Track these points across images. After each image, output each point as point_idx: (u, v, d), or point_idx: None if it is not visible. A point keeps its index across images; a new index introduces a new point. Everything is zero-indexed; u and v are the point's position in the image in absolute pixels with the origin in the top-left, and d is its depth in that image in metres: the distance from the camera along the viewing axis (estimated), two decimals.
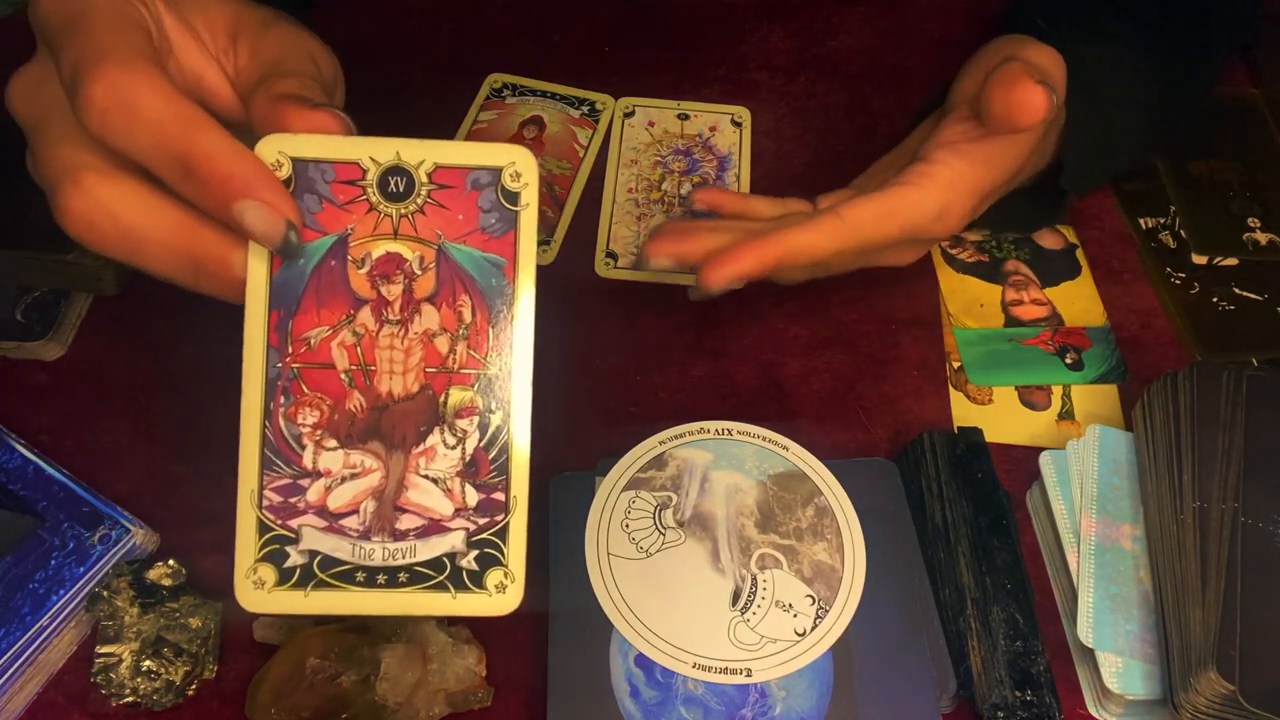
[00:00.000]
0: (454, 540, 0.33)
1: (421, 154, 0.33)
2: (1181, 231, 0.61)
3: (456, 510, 0.33)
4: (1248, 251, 0.60)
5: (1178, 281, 0.59)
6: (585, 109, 0.66)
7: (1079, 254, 0.60)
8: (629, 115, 0.66)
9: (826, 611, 0.45)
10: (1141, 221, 0.61)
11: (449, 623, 0.45)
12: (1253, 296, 0.58)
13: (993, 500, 0.48)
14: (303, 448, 0.33)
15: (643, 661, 0.44)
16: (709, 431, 0.50)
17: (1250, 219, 0.61)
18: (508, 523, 0.33)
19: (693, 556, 0.46)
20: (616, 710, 0.42)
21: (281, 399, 0.33)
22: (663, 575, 0.46)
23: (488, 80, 0.67)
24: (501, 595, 0.33)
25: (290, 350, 0.33)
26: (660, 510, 0.47)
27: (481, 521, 0.33)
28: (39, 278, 0.56)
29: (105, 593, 0.45)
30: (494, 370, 0.33)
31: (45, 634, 0.45)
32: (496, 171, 0.33)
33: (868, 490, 0.48)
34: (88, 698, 0.45)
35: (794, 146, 0.65)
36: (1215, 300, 0.58)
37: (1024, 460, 0.51)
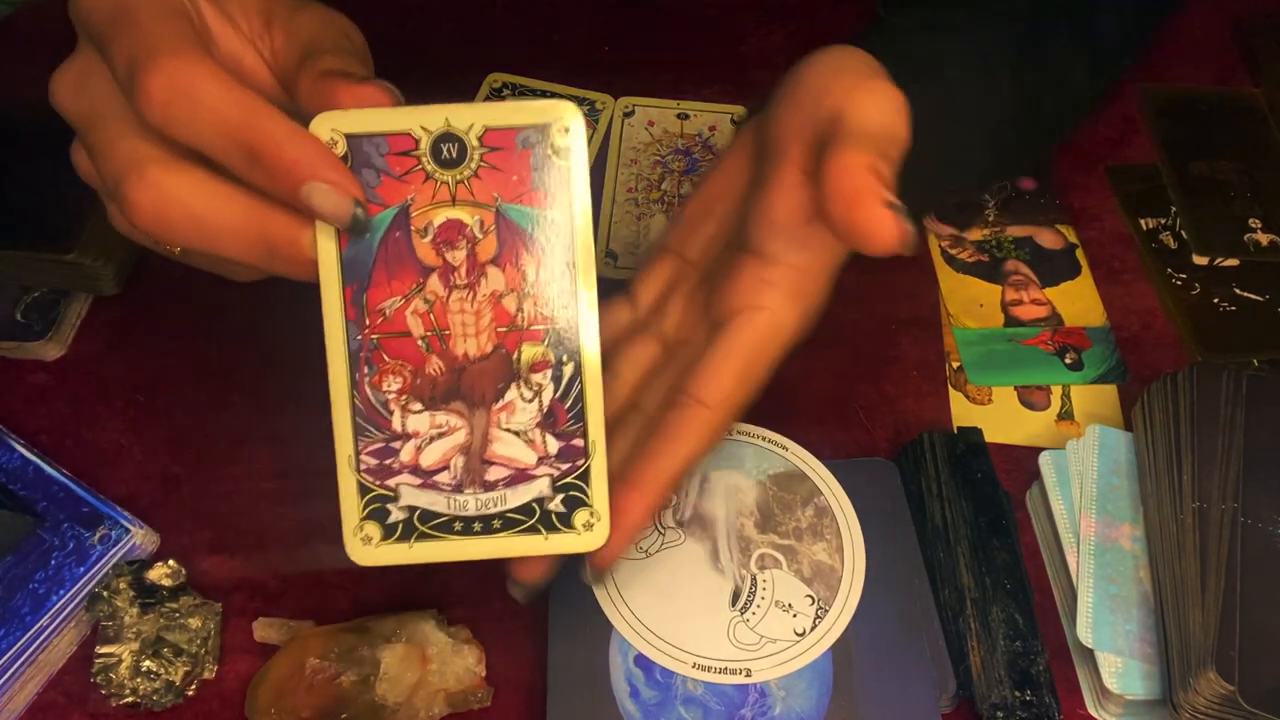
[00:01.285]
0: (540, 486, 0.35)
1: (470, 118, 0.33)
2: (1182, 232, 0.61)
3: (540, 459, 0.35)
4: (1248, 252, 0.60)
5: (1178, 282, 0.59)
6: (585, 109, 0.66)
7: (1079, 254, 0.60)
8: (629, 115, 0.66)
9: (826, 611, 0.45)
10: (1142, 222, 0.61)
11: (449, 623, 0.46)
12: (1253, 297, 0.58)
13: (992, 500, 0.48)
14: (390, 413, 0.34)
15: (642, 661, 0.44)
16: None
17: (1251, 219, 0.61)
18: (588, 466, 0.35)
19: (692, 556, 0.46)
20: (616, 710, 0.42)
21: (365, 369, 0.34)
22: (662, 575, 0.46)
23: (487, 80, 0.67)
24: (590, 532, 0.35)
25: (367, 322, 0.34)
26: (660, 510, 0.47)
27: (564, 467, 0.35)
28: (39, 278, 0.56)
29: (105, 593, 0.45)
30: (562, 324, 0.35)
31: (45, 634, 0.45)
32: (545, 128, 0.34)
33: (867, 490, 0.48)
34: (87, 698, 0.45)
35: None
36: (1216, 301, 0.58)
37: (1024, 460, 0.51)
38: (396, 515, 0.35)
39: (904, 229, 0.35)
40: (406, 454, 0.35)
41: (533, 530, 0.35)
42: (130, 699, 0.44)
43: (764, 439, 0.50)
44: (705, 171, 0.47)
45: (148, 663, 0.44)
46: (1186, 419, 0.46)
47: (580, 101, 0.66)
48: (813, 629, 0.44)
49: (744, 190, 0.43)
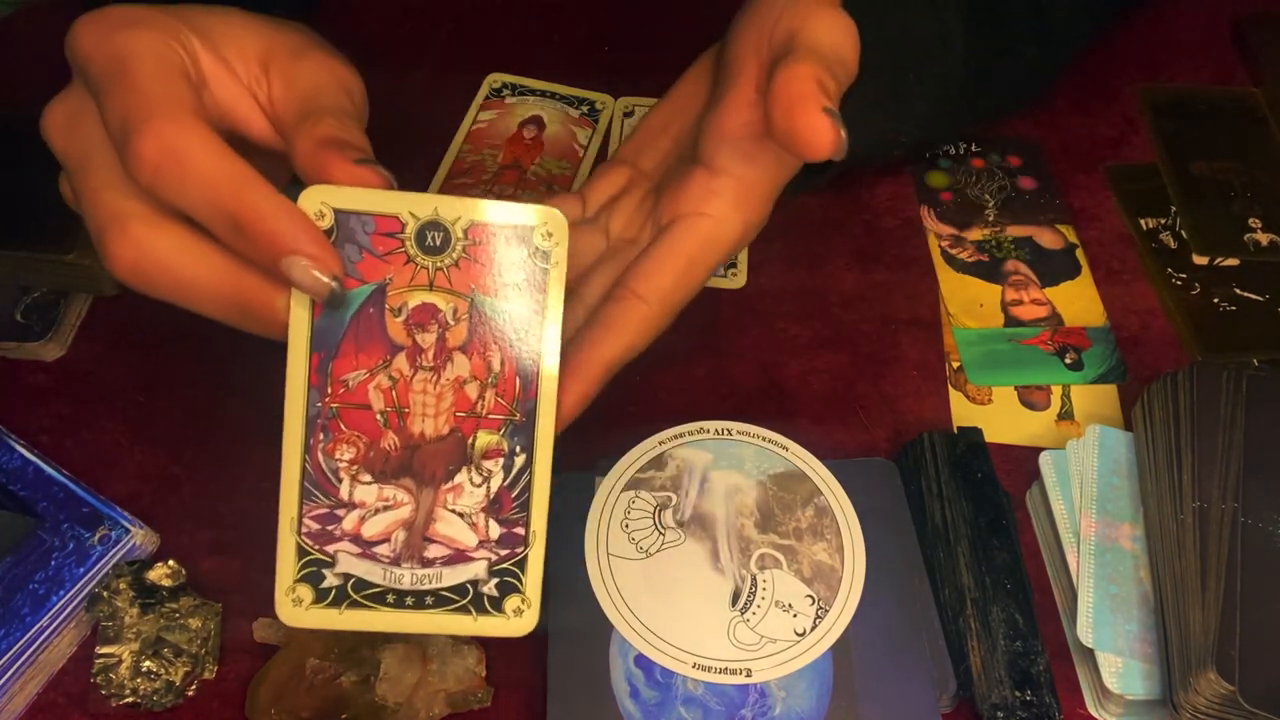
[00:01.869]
0: (477, 569, 0.36)
1: (458, 211, 0.35)
2: (1182, 232, 0.61)
3: (480, 542, 0.36)
4: (1249, 252, 0.60)
5: (1178, 282, 0.59)
6: (585, 109, 0.66)
7: (1079, 254, 0.60)
8: (628, 115, 0.66)
9: (826, 611, 0.45)
10: (1142, 222, 0.61)
11: None
12: (1254, 297, 0.58)
13: (992, 500, 0.48)
14: (340, 481, 0.35)
15: (642, 662, 0.44)
16: (708, 431, 0.50)
17: (1251, 219, 0.61)
18: (526, 555, 0.36)
19: (692, 557, 0.46)
20: (616, 710, 0.42)
21: (321, 435, 0.35)
22: (662, 575, 0.46)
23: (487, 80, 0.67)
24: (519, 618, 0.36)
25: (330, 391, 0.35)
26: (660, 510, 0.47)
27: (503, 553, 0.36)
28: (39, 278, 0.56)
29: (105, 593, 0.45)
30: (520, 417, 0.36)
31: (45, 634, 0.45)
32: (529, 230, 0.35)
33: (867, 490, 0.48)
34: (87, 698, 0.45)
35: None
36: (1216, 301, 0.58)
37: (1024, 460, 0.51)
38: (331, 580, 0.35)
39: (838, 134, 0.36)
40: (349, 523, 0.35)
41: (463, 610, 0.36)
42: (130, 699, 0.44)
43: (764, 439, 0.50)
44: (665, 93, 0.48)
45: (148, 663, 0.44)
46: (1186, 419, 0.46)
47: (580, 101, 0.66)
48: (813, 629, 0.44)
49: (701, 109, 0.44)
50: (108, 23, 0.35)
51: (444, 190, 0.61)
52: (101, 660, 0.45)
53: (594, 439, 0.50)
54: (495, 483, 0.36)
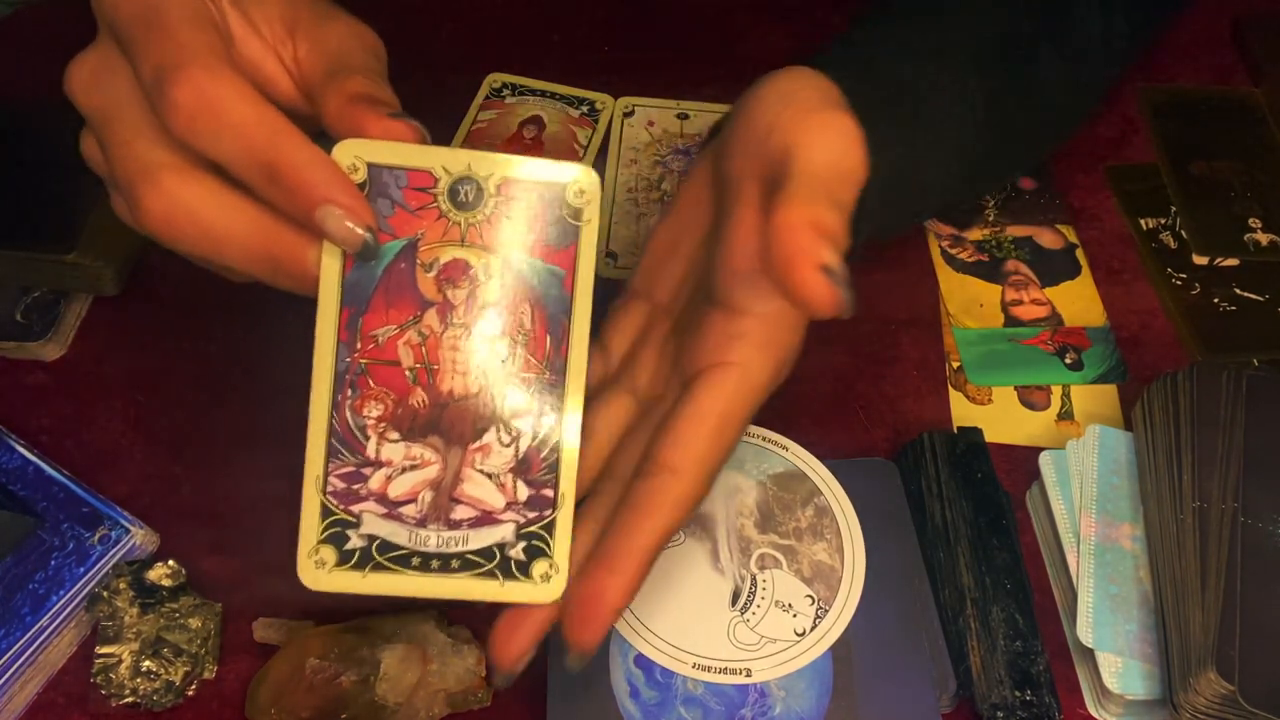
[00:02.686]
0: (504, 531, 0.35)
1: (491, 167, 0.34)
2: (1182, 232, 0.61)
3: (508, 504, 0.35)
4: (1249, 252, 0.60)
5: (1178, 282, 0.59)
6: (585, 109, 0.66)
7: (1079, 254, 0.60)
8: (628, 115, 0.66)
9: (826, 611, 0.45)
10: (1142, 222, 0.61)
11: (449, 623, 0.46)
12: (1254, 297, 0.58)
13: (992, 500, 0.48)
14: (367, 438, 0.35)
15: (642, 661, 0.44)
16: None
17: (1251, 219, 0.61)
18: (555, 518, 0.35)
19: (692, 556, 0.46)
20: (616, 710, 0.42)
21: (349, 392, 0.34)
22: (662, 575, 0.46)
23: (487, 80, 0.67)
24: (546, 584, 0.35)
25: (359, 346, 0.34)
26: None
27: (531, 515, 0.35)
28: (39, 278, 0.56)
29: (105, 593, 0.45)
30: (549, 375, 0.35)
31: (45, 634, 0.45)
32: (561, 187, 0.35)
33: (867, 490, 0.48)
34: (87, 698, 0.45)
35: None
36: (1216, 301, 0.58)
37: (1024, 460, 0.51)
38: (355, 542, 0.35)
39: (837, 294, 0.34)
40: (376, 482, 0.35)
41: (490, 575, 0.35)
42: (130, 699, 0.44)
43: (764, 439, 0.50)
44: (667, 205, 0.45)
45: (148, 663, 0.44)
46: (1186, 419, 0.46)
47: (580, 101, 0.66)
48: (813, 629, 0.44)
49: (708, 224, 0.41)
50: None
51: None
52: (101, 660, 0.45)
53: None
54: (524, 443, 0.35)
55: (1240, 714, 0.39)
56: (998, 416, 0.54)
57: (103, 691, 0.44)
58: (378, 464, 0.35)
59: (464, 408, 0.35)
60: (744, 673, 0.43)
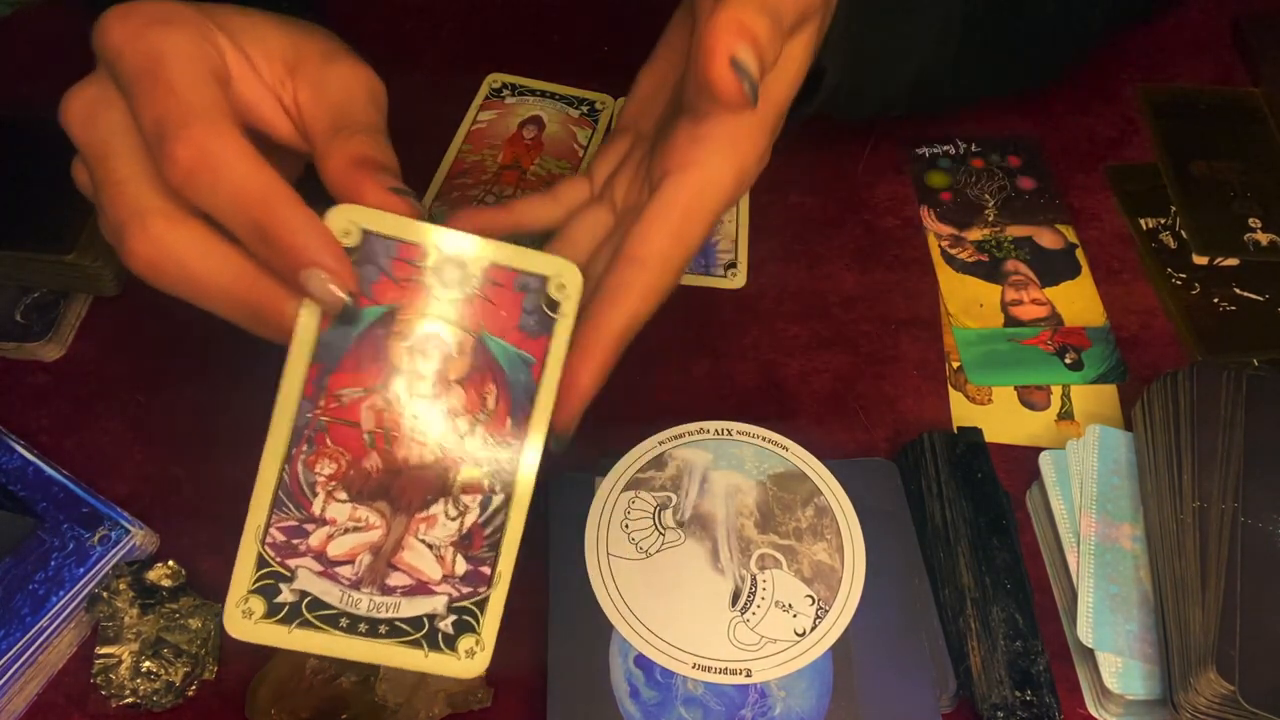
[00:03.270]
0: (436, 603, 0.35)
1: (481, 250, 0.35)
2: (1182, 232, 0.61)
3: (444, 576, 0.35)
4: (1248, 252, 0.60)
5: (1178, 282, 0.59)
6: (584, 109, 0.66)
7: (1079, 254, 0.60)
8: None
9: (826, 611, 0.45)
10: (1142, 222, 0.61)
11: None
12: (1254, 297, 0.58)
13: (992, 500, 0.48)
14: (314, 495, 0.35)
15: (642, 662, 0.44)
16: (708, 431, 0.50)
17: (1251, 219, 0.61)
18: (489, 595, 0.35)
19: (692, 557, 0.46)
20: (616, 710, 0.42)
21: (305, 446, 0.35)
22: (662, 575, 0.46)
23: (487, 80, 0.67)
24: (470, 660, 0.35)
25: (322, 404, 0.35)
26: (660, 510, 0.47)
27: (465, 590, 0.35)
28: (39, 278, 0.56)
29: (105, 594, 0.45)
30: (504, 456, 0.35)
31: (45, 635, 0.45)
32: (544, 279, 0.36)
33: (867, 490, 0.48)
34: (87, 699, 0.45)
35: (791, 142, 0.64)
36: (1216, 301, 0.58)
37: (1024, 460, 0.51)
38: (286, 596, 0.34)
39: (740, 88, 0.35)
40: (316, 539, 0.35)
41: (415, 644, 0.35)
42: (130, 700, 0.44)
43: (764, 439, 0.50)
44: (653, 50, 0.47)
45: (148, 663, 0.44)
46: (1186, 419, 0.46)
47: (580, 102, 0.66)
48: (813, 629, 0.44)
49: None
50: (140, 18, 0.35)
51: (443, 191, 0.61)
52: (101, 661, 0.45)
53: (594, 439, 0.50)
54: (470, 518, 0.35)
55: (1240, 714, 0.39)
56: (998, 416, 0.54)
57: (103, 692, 0.44)
58: (321, 521, 0.35)
59: (416, 477, 0.35)
60: (744, 673, 0.43)
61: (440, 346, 0.35)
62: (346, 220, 0.34)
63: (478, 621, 0.35)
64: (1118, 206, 0.62)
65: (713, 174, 0.40)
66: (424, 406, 0.35)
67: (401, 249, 0.35)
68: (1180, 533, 0.44)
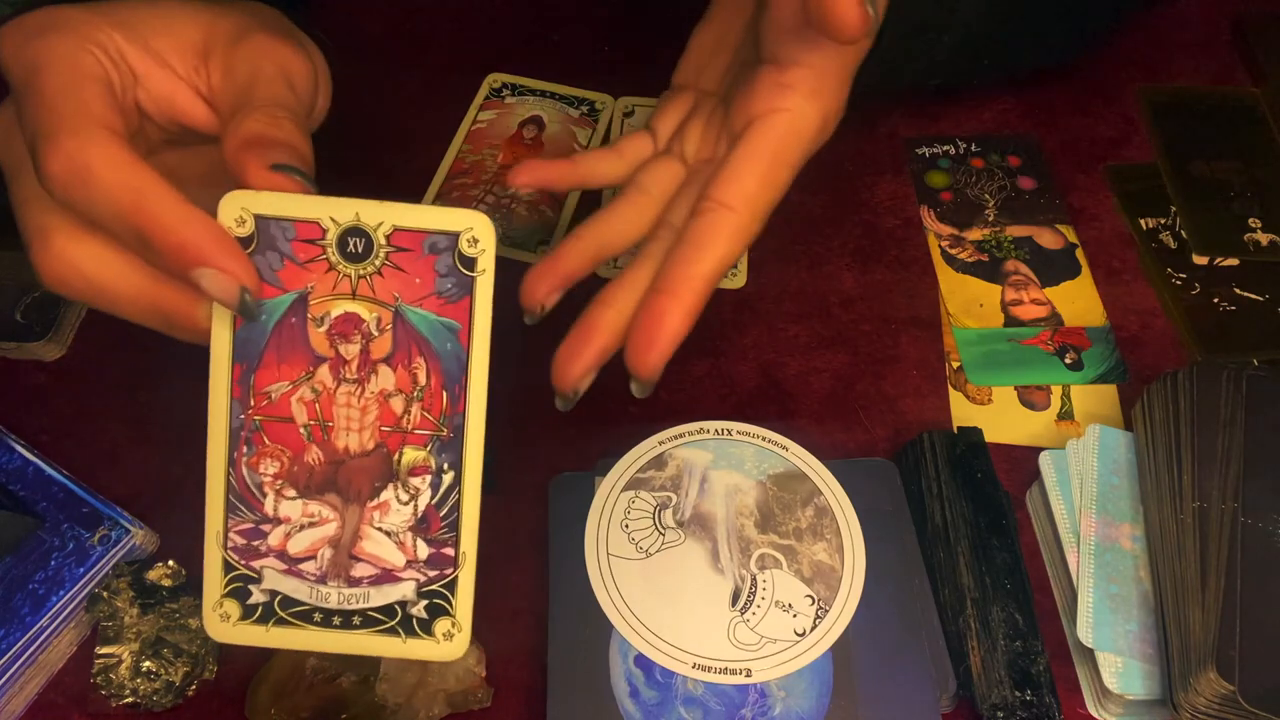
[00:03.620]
0: (405, 590, 0.35)
1: (380, 215, 0.33)
2: (1182, 232, 0.61)
3: (408, 562, 0.35)
4: (1248, 252, 0.60)
5: (1178, 282, 0.59)
6: (585, 109, 0.66)
7: (1079, 254, 0.60)
8: (629, 115, 0.66)
9: (826, 611, 0.45)
10: (1142, 222, 0.61)
11: None
12: (1253, 297, 0.58)
13: (992, 500, 0.48)
14: (264, 495, 0.34)
15: (642, 662, 0.44)
16: (708, 431, 0.50)
17: (1251, 219, 0.61)
18: (456, 577, 0.35)
19: (692, 557, 0.46)
20: (616, 710, 0.42)
21: (244, 448, 0.34)
22: (662, 575, 0.46)
23: (487, 80, 0.67)
24: (449, 643, 0.35)
25: (252, 403, 0.34)
26: (660, 510, 0.47)
27: (431, 574, 0.35)
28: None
29: (105, 593, 0.45)
30: (447, 432, 0.34)
31: (45, 635, 0.45)
32: (454, 236, 0.33)
33: (867, 490, 0.48)
34: (87, 698, 0.45)
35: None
36: (1216, 301, 0.58)
37: (1024, 460, 0.51)
38: (257, 597, 0.34)
39: (865, 12, 0.35)
40: (275, 539, 0.34)
41: (392, 632, 0.35)
42: (130, 699, 0.44)
43: (764, 439, 0.50)
44: (705, 13, 0.47)
45: (148, 663, 0.44)
46: (1186, 419, 0.46)
47: (579, 102, 0.66)
48: (813, 629, 0.44)
49: (750, 16, 0.43)
50: (24, 30, 0.34)
51: (443, 191, 0.61)
52: (101, 660, 0.45)
53: (594, 439, 0.50)
54: (423, 501, 0.35)
55: (1240, 714, 0.39)
56: (998, 416, 0.54)
57: (103, 692, 0.44)
58: (276, 521, 0.34)
59: (360, 465, 0.34)
60: (744, 673, 0.43)
61: (358, 326, 0.34)
62: (238, 208, 0.33)
63: (450, 604, 0.35)
64: (1118, 206, 0.62)
65: (799, 119, 0.40)
66: (354, 391, 0.34)
67: (300, 228, 0.33)
68: (1180, 533, 0.44)
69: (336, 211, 0.33)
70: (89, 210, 0.33)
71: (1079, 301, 0.58)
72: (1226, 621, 0.41)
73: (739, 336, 0.57)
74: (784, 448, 0.49)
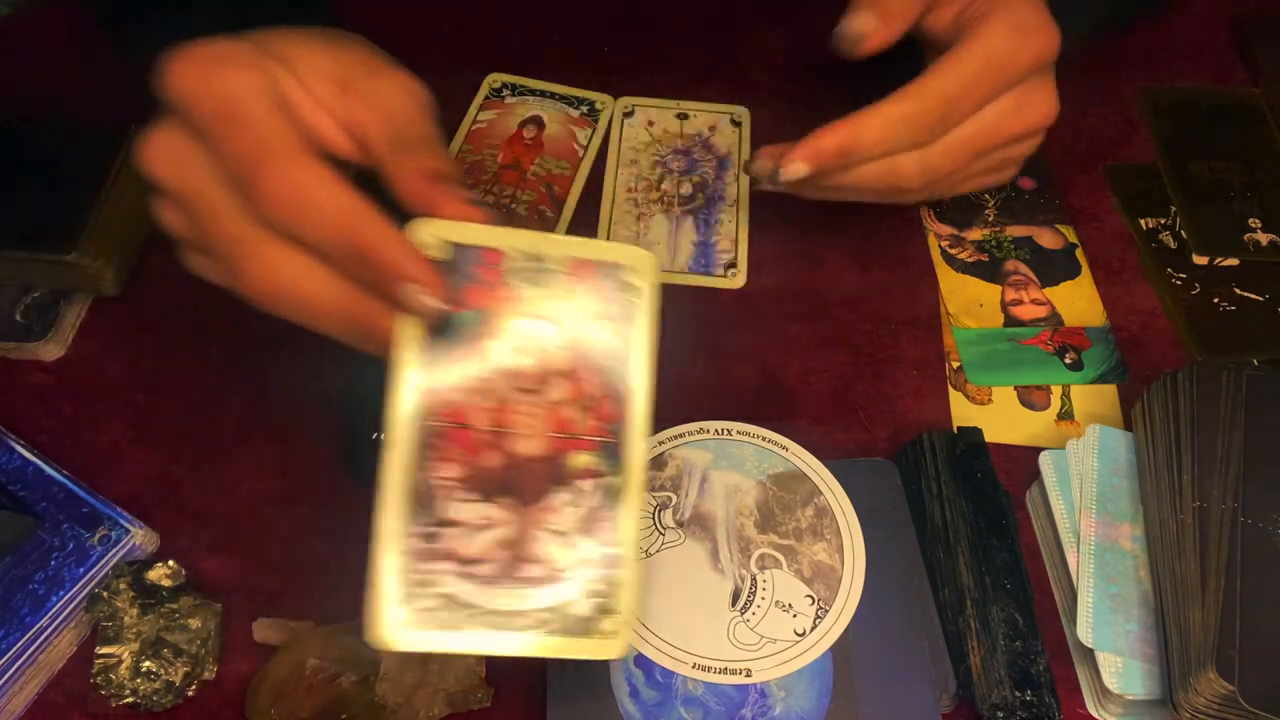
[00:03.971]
0: (572, 589, 0.36)
1: (557, 248, 0.37)
2: (1182, 232, 0.61)
3: (575, 562, 0.36)
4: (1248, 252, 0.60)
5: (1178, 282, 0.59)
6: (584, 109, 0.66)
7: (1079, 254, 0.60)
8: (628, 115, 0.66)
9: (826, 611, 0.45)
10: (1142, 222, 0.61)
11: None
12: (1253, 297, 0.58)
13: (992, 500, 0.48)
14: (441, 499, 0.35)
15: (642, 661, 0.44)
16: (708, 431, 0.50)
17: (1251, 219, 0.61)
18: (620, 575, 0.36)
19: (692, 557, 0.46)
20: (616, 710, 0.42)
21: (424, 454, 0.35)
22: (662, 575, 0.46)
23: (487, 80, 0.67)
24: (614, 639, 0.36)
25: (434, 411, 0.36)
26: (660, 510, 0.47)
27: (596, 574, 0.36)
28: (39, 278, 0.56)
29: (105, 593, 0.45)
30: (613, 439, 0.37)
31: (45, 635, 0.45)
32: (619, 267, 0.37)
33: (867, 490, 0.48)
34: (87, 698, 0.45)
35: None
36: (1216, 301, 0.58)
37: (1023, 460, 0.51)
38: (430, 601, 0.35)
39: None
40: (450, 541, 0.35)
41: (559, 632, 0.36)
42: (130, 699, 0.44)
43: (764, 439, 0.50)
44: None
45: (148, 663, 0.44)
46: (1186, 419, 0.46)
47: (579, 102, 0.66)
48: (813, 629, 0.44)
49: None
50: (203, 62, 0.37)
51: None
52: (101, 660, 0.45)
53: None
54: (589, 503, 0.36)
55: (1240, 714, 0.39)
56: (997, 416, 0.54)
57: (103, 692, 0.44)
58: (452, 524, 0.35)
59: (533, 469, 0.36)
60: (744, 673, 0.43)
61: (535, 342, 0.36)
62: (429, 233, 0.36)
63: (614, 602, 0.36)
64: (1118, 206, 0.62)
65: (998, 32, 0.45)
66: (529, 401, 0.36)
67: (485, 254, 0.36)
68: (1180, 533, 0.44)
69: (518, 241, 0.36)
70: (304, 229, 0.35)
71: (1079, 301, 0.58)
72: (1226, 621, 0.41)
73: (739, 336, 0.57)
74: (784, 448, 0.49)
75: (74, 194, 0.55)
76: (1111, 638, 0.44)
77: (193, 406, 0.54)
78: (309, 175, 0.35)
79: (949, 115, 0.48)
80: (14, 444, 0.50)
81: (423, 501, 0.35)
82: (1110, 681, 0.43)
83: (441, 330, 0.36)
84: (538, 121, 0.65)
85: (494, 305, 0.36)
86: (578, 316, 0.37)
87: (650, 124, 0.65)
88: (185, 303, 0.57)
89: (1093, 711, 0.45)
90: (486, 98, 0.66)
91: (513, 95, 0.67)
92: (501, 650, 0.35)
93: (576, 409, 0.37)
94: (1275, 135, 0.65)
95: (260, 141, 0.35)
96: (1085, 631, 0.44)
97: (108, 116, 0.57)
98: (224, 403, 0.54)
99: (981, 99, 0.47)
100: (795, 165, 0.46)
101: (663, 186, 0.62)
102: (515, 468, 0.36)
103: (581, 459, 0.37)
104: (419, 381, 0.36)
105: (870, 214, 0.62)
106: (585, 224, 0.60)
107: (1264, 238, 0.60)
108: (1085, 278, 0.59)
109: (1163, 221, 0.61)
